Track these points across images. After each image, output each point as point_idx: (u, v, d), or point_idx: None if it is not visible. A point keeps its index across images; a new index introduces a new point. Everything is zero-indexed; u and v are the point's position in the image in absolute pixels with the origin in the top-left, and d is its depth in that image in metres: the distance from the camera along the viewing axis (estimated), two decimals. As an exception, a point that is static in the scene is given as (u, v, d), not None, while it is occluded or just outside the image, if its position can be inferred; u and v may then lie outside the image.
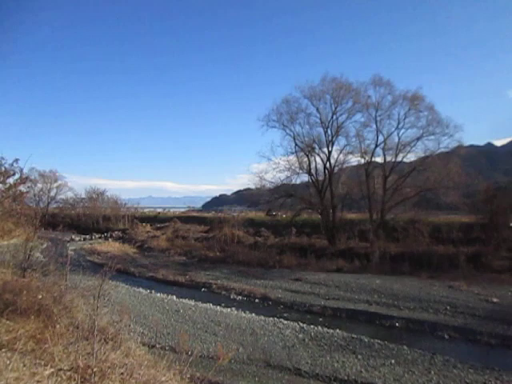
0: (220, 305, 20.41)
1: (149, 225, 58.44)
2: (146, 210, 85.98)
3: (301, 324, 16.93)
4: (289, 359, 13.06)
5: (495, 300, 19.32)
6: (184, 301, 21.04)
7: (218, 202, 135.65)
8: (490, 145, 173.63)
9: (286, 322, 17.34)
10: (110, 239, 51.34)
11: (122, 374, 6.51)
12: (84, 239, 52.23)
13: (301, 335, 15.57)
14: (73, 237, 51.34)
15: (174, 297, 21.95)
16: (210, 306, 20.10)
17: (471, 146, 64.53)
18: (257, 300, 22.04)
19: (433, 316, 17.85)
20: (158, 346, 13.76)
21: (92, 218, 65.28)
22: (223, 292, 23.80)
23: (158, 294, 22.53)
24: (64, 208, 74.62)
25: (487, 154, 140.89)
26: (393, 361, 12.92)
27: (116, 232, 56.34)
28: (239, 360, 12.95)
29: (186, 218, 60.14)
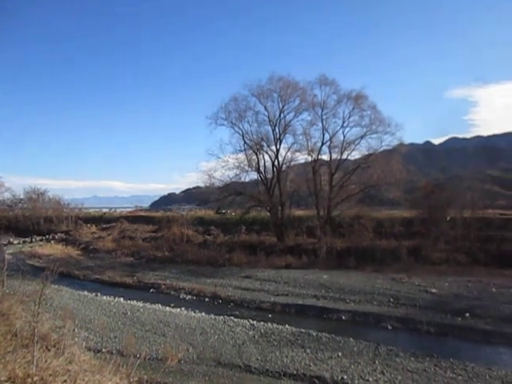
0: (169, 305, 20.13)
1: (94, 225, 56.46)
2: (90, 211, 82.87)
3: (251, 321, 17.05)
4: (239, 357, 13.12)
5: (434, 290, 20.41)
6: (132, 302, 20.56)
7: (167, 200, 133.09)
8: (428, 143, 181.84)
9: (236, 319, 17.39)
10: (52, 241, 49.05)
11: (64, 381, 6.27)
12: (23, 242, 49.55)
13: (251, 332, 15.68)
14: (11, 240, 48.55)
15: (122, 299, 21.40)
16: (158, 306, 19.78)
17: (411, 144, 67.55)
18: (207, 299, 21.95)
19: (377, 308, 18.59)
20: (104, 350, 13.37)
21: (32, 220, 61.86)
22: (172, 292, 23.50)
23: (105, 297, 21.87)
24: (0, 209, 70.40)
25: (426, 152, 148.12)
26: (340, 353, 13.32)
27: (59, 234, 53.92)
28: (189, 360, 12.84)
29: (133, 218, 58.66)
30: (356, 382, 11.18)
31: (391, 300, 19.34)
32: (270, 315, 18.57)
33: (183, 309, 19.45)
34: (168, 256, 34.29)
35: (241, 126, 37.56)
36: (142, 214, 66.99)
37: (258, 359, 12.90)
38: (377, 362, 12.54)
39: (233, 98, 37.59)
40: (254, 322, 16.86)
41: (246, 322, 17.00)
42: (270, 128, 37.31)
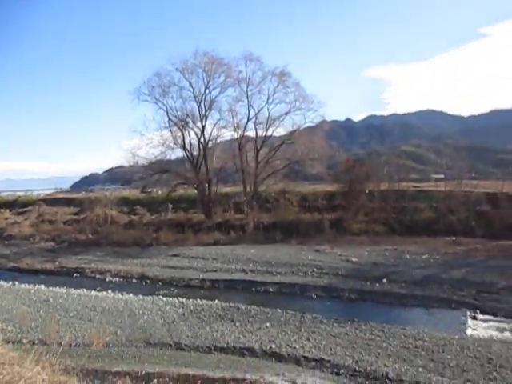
0: (95, 289, 19.58)
1: (8, 210, 52.53)
2: (3, 195, 76.73)
3: (180, 299, 17.10)
4: (169, 335, 13.18)
5: (354, 259, 21.75)
6: (54, 289, 19.66)
7: (89, 181, 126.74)
8: (349, 120, 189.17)
9: (165, 298, 17.36)
10: (-43, 230, 44.91)
11: (-21, 376, 5.92)
12: None
13: (180, 310, 15.75)
14: None
15: (43, 286, 20.38)
16: (83, 291, 19.14)
17: (333, 121, 70.17)
18: (134, 280, 21.60)
19: (302, 279, 19.46)
20: (24, 341, 12.71)
21: None
22: (98, 275, 22.79)
23: (23, 285, 20.68)
24: None
25: (347, 129, 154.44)
26: (268, 324, 13.87)
27: (-34, 221, 49.50)
28: (118, 343, 12.68)
29: (52, 201, 55.24)
30: (283, 350, 11.74)
31: (315, 270, 20.32)
32: (199, 292, 18.76)
33: (110, 292, 19.02)
34: (92, 239, 32.99)
35: (165, 102, 36.50)
36: (62, 195, 63.38)
37: (188, 336, 13.05)
38: (303, 329, 13.24)
39: (156, 72, 36.28)
40: (184, 300, 16.93)
41: (175, 300, 17.03)
42: (195, 104, 36.74)
